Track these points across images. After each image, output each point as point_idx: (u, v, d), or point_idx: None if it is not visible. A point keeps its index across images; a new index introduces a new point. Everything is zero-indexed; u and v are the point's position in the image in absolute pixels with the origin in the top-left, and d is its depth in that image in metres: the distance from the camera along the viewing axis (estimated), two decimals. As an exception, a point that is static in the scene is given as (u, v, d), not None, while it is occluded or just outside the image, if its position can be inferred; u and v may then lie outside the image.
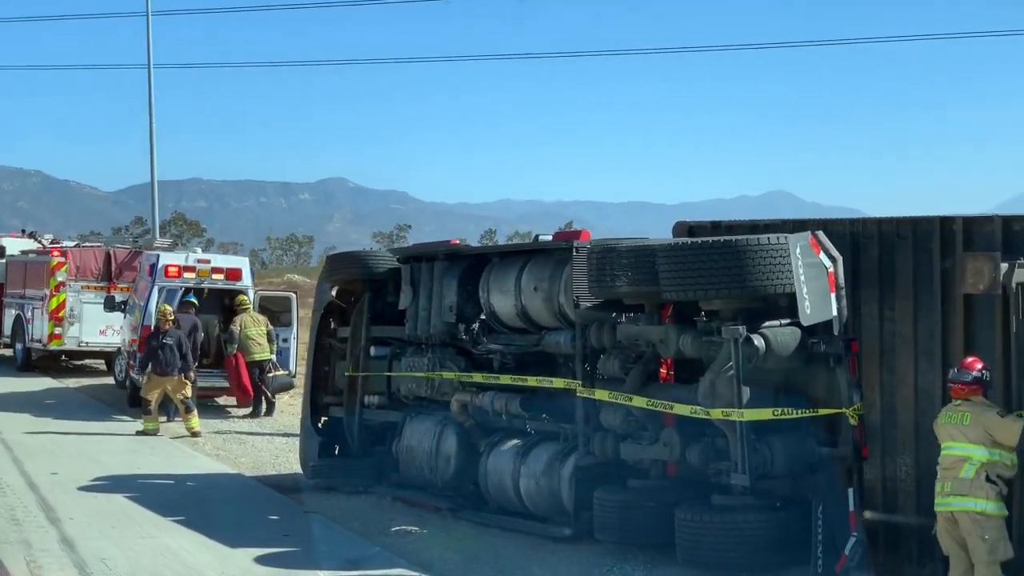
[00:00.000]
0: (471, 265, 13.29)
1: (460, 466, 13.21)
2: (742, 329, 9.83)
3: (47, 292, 27.86)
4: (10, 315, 30.08)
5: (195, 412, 19.27)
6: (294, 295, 22.75)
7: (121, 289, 27.82)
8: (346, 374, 14.81)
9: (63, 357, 29.34)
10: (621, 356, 11.27)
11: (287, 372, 21.92)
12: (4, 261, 31.12)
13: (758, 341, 9.87)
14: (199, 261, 22.18)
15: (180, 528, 12.51)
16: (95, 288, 28.14)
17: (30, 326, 28.71)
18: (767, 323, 10.04)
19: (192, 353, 20.86)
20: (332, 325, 15.59)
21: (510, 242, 11.86)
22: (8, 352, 31.25)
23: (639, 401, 10.78)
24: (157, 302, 21.53)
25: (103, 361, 29.95)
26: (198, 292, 22.10)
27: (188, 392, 19.40)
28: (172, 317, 19.84)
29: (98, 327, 27.92)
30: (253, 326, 21.43)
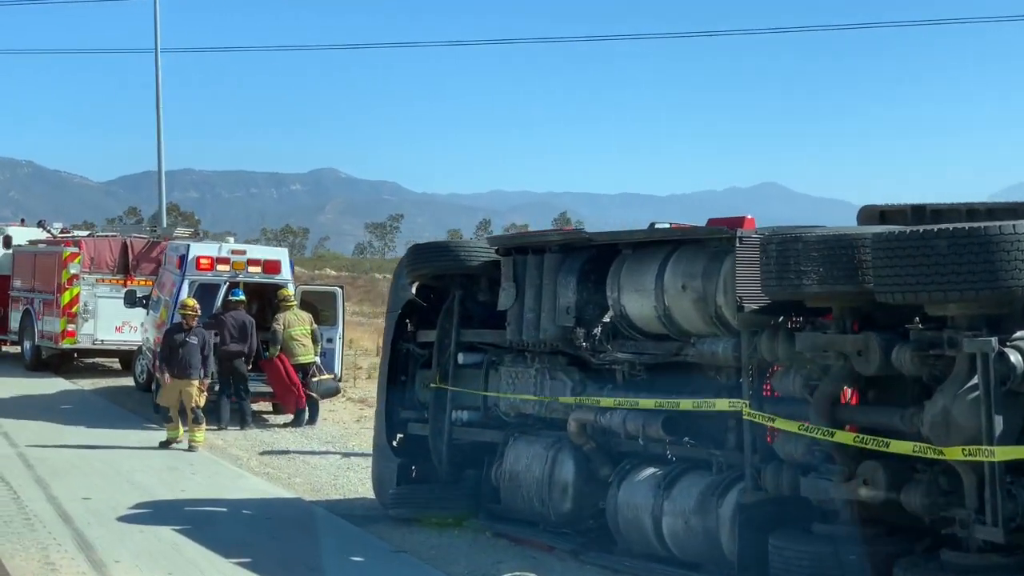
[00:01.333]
0: (593, 258, 11.18)
1: (579, 498, 11.12)
2: (994, 342, 7.72)
3: (59, 285, 25.74)
4: (18, 310, 27.93)
5: (203, 425, 17.15)
6: (340, 290, 20.59)
7: (139, 282, 25.78)
8: (431, 385, 12.67)
9: (75, 356, 27.20)
10: (803, 372, 9.15)
11: (333, 376, 19.79)
12: (11, 252, 28.95)
13: (1015, 357, 7.77)
14: (233, 252, 20.05)
15: (249, 574, 10.42)
16: (111, 281, 26.07)
17: (40, 322, 26.59)
18: (1018, 334, 7.94)
19: (248, 357, 18.83)
20: (409, 327, 13.46)
21: (606, 231, 10.10)
22: (16, 350, 29.14)
23: (844, 437, 8.65)
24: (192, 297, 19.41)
25: (117, 359, 27.88)
26: (236, 284, 19.98)
27: (202, 401, 17.25)
28: (197, 312, 17.67)
29: (114, 323, 25.85)
30: (297, 325, 19.30)
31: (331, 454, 17.08)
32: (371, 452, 16.63)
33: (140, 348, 23.69)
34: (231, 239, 20.71)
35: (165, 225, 37.02)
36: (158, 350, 19.76)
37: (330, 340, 20.01)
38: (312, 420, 19.38)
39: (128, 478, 14.68)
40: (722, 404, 9.77)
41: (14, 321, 28.23)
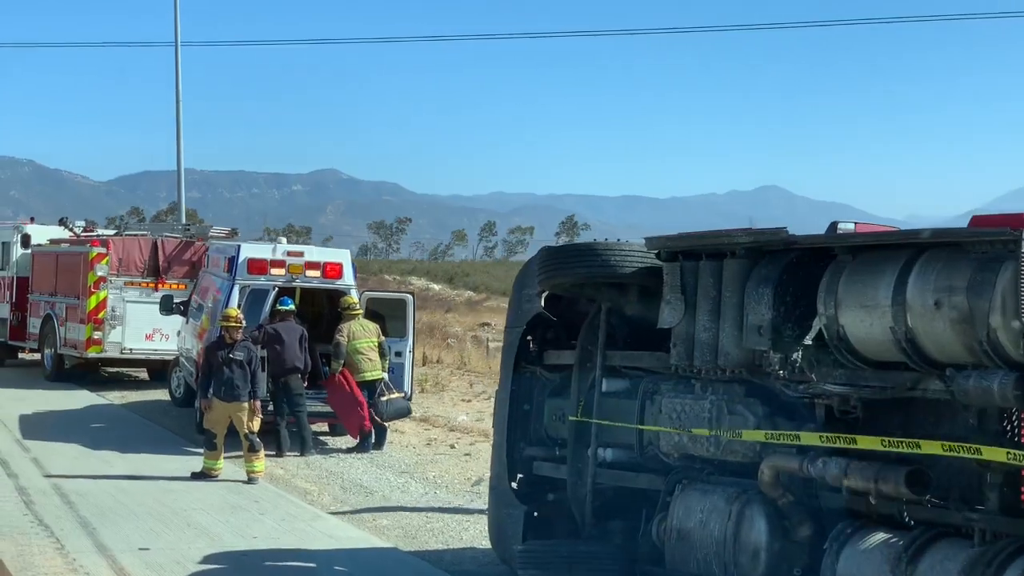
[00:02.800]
0: (794, 264, 8.94)
1: (773, 564, 8.88)
2: None
3: (85, 289, 23.57)
4: (38, 315, 25.72)
5: (261, 452, 14.95)
6: (410, 296, 18.31)
7: (171, 286, 23.63)
8: (571, 418, 10.43)
9: (100, 365, 25.02)
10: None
11: (403, 394, 17.56)
12: (30, 252, 26.75)
13: None
14: (290, 254, 17.81)
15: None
16: (140, 284, 23.94)
17: (63, 329, 24.41)
18: None
19: (304, 373, 16.66)
20: (532, 346, 11.23)
21: (746, 229, 8.23)
22: (35, 357, 26.98)
23: None
24: (239, 305, 17.21)
25: (144, 369, 25.72)
26: (289, 292, 17.76)
27: (256, 425, 15.04)
28: (241, 324, 15.48)
29: (144, 331, 23.72)
30: (363, 337, 17.07)
31: (412, 485, 14.86)
32: (461, 488, 14.57)
33: (177, 359, 21.49)
34: (283, 239, 18.48)
35: (184, 223, 34.70)
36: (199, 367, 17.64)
37: (399, 353, 17.77)
38: (379, 444, 17.18)
39: (187, 520, 12.46)
40: (995, 454, 7.55)
41: (33, 327, 26.05)
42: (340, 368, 16.84)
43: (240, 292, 17.45)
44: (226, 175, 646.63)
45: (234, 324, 15.36)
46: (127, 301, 23.86)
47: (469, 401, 23.00)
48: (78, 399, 22.29)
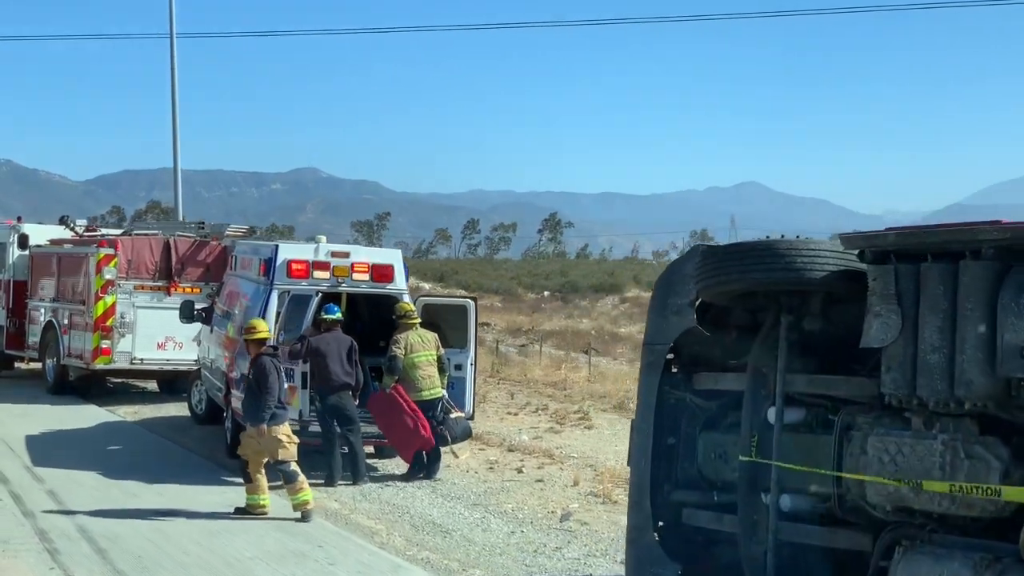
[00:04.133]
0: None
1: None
2: None
3: (91, 294, 21.50)
4: (38, 323, 23.62)
5: (300, 482, 12.86)
6: (472, 302, 16.25)
7: (184, 289, 21.60)
8: (742, 458, 8.44)
9: (106, 376, 22.95)
10: None
11: (465, 414, 15.56)
12: (28, 253, 24.62)
13: None
14: (334, 255, 15.77)
15: None
16: (151, 288, 21.89)
17: (67, 337, 22.33)
18: None
19: (356, 391, 14.69)
20: (674, 368, 9.24)
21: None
22: (31, 366, 24.89)
23: None
24: (278, 314, 15.20)
25: (154, 381, 23.69)
26: (333, 298, 15.74)
27: (282, 454, 12.96)
28: (261, 335, 13.47)
29: (155, 339, 21.70)
30: (421, 349, 15.07)
31: (492, 521, 12.86)
32: (547, 525, 12.62)
33: (198, 371, 19.48)
34: (323, 237, 16.49)
35: (181, 219, 32.35)
36: (237, 376, 15.63)
37: (459, 367, 15.76)
38: (431, 471, 15.17)
39: (246, 573, 10.45)
40: None
41: (33, 335, 23.95)
42: (392, 384, 14.83)
43: (280, 298, 15.43)
44: (203, 174, 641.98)
45: (257, 335, 13.36)
46: (137, 307, 21.83)
47: (516, 415, 21.04)
48: (87, 416, 20.24)
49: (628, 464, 9.43)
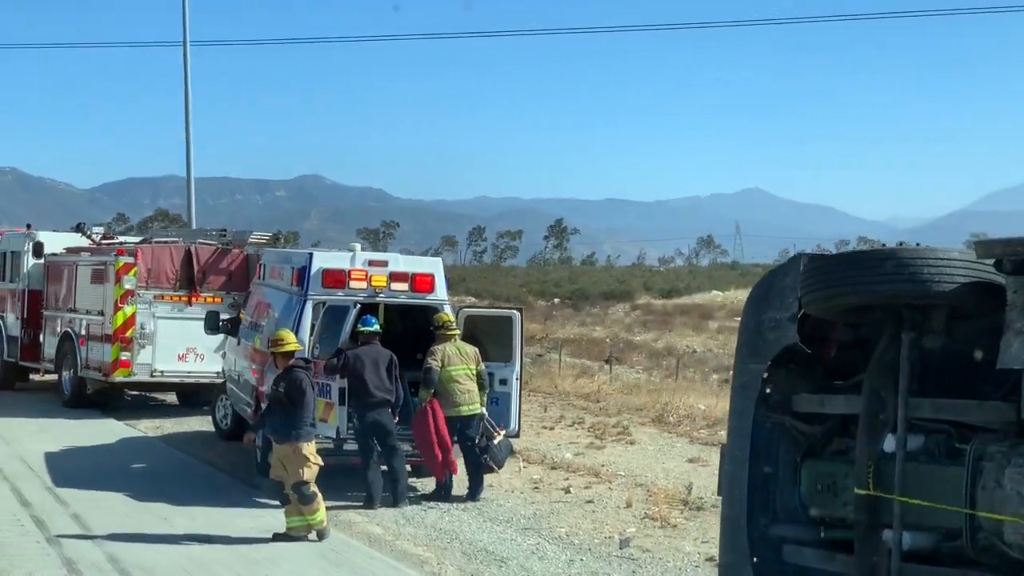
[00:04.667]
0: None
1: None
2: None
3: (110, 303, 20.74)
4: (55, 333, 22.84)
5: (316, 505, 12.15)
6: (518, 313, 15.42)
7: (205, 299, 20.83)
8: (857, 490, 7.62)
9: (124, 388, 22.18)
10: None
11: (509, 432, 14.75)
12: (43, 262, 23.84)
13: None
14: (372, 264, 14.96)
15: None
16: (172, 298, 21.10)
17: (84, 349, 21.54)
18: None
19: (395, 407, 13.91)
20: (766, 391, 8.40)
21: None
22: (44, 378, 24.12)
23: None
24: (313, 326, 14.41)
25: (173, 393, 22.93)
26: (371, 309, 14.94)
27: (307, 474, 12.20)
28: (290, 347, 12.69)
29: (176, 351, 20.92)
30: (459, 362, 14.28)
31: (547, 548, 12.04)
32: (607, 552, 11.81)
33: (223, 384, 18.70)
34: (358, 245, 15.68)
35: (195, 227, 31.37)
36: (269, 391, 14.82)
37: (504, 382, 14.97)
38: (475, 494, 14.37)
39: (296, 609, 9.66)
40: None
41: (49, 346, 23.17)
42: (428, 398, 14.03)
43: (314, 310, 14.64)
44: (209, 181, 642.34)
45: (284, 348, 12.58)
46: (157, 317, 21.06)
47: (552, 429, 20.23)
48: (107, 431, 19.46)
49: (718, 494, 8.65)
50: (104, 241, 23.85)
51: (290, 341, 12.72)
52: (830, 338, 8.35)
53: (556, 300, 78.31)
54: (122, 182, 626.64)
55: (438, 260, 15.82)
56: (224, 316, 18.51)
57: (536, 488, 15.14)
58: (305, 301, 14.65)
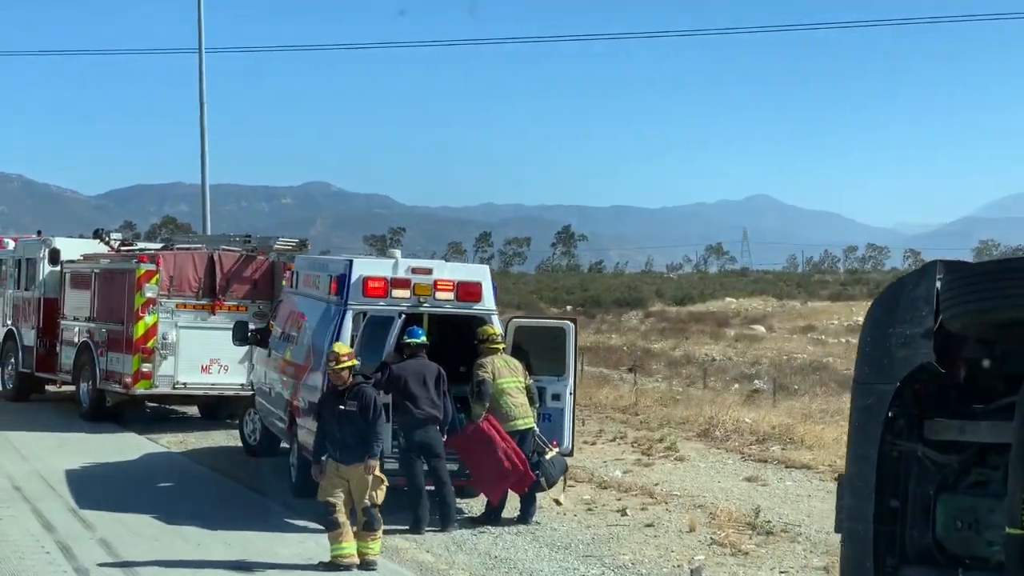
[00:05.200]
0: None
1: None
2: None
3: (131, 313, 19.90)
4: (72, 344, 21.98)
5: (380, 533, 11.43)
6: (572, 324, 14.50)
7: (229, 308, 19.98)
8: (1010, 531, 6.73)
9: (145, 402, 21.31)
10: None
11: (563, 450, 13.86)
12: (59, 270, 22.98)
13: None
14: (415, 271, 14.06)
15: None
16: (194, 307, 20.24)
17: (103, 359, 20.67)
18: None
19: (443, 425, 13.04)
20: (893, 416, 7.50)
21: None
22: (58, 388, 23.25)
23: None
24: (353, 338, 13.54)
25: (195, 405, 22.07)
26: (415, 320, 14.04)
27: (380, 496, 11.45)
28: (353, 363, 11.84)
29: (199, 362, 20.09)
30: (509, 375, 13.40)
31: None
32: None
33: (252, 398, 17.84)
34: (397, 252, 14.82)
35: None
36: (307, 405, 13.94)
37: (557, 397, 14.08)
38: (527, 516, 13.48)
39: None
40: None
41: (66, 357, 22.30)
42: (482, 414, 13.16)
43: (355, 320, 13.77)
44: (215, 188, 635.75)
45: (343, 365, 11.72)
46: (180, 327, 20.20)
47: (593, 444, 19.34)
48: (129, 446, 18.60)
49: (836, 531, 7.75)
50: (123, 248, 23.00)
51: (345, 355, 11.86)
52: (960, 356, 7.47)
53: (568, 307, 77.46)
54: (128, 189, 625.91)
55: (485, 267, 14.94)
56: (253, 326, 17.65)
57: (589, 509, 14.24)
58: (345, 311, 13.78)
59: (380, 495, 11.48)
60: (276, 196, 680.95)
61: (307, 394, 14.26)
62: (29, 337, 23.27)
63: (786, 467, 17.05)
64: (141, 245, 23.96)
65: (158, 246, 23.09)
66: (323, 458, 11.51)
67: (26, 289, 23.58)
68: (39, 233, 26.44)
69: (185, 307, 20.33)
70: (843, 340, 57.14)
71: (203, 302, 20.43)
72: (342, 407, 11.57)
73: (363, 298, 13.82)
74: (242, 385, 20.38)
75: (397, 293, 13.91)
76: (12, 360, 23.91)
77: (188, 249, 21.27)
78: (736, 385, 37.58)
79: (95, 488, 14.89)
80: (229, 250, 21.12)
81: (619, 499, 14.86)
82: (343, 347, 12.02)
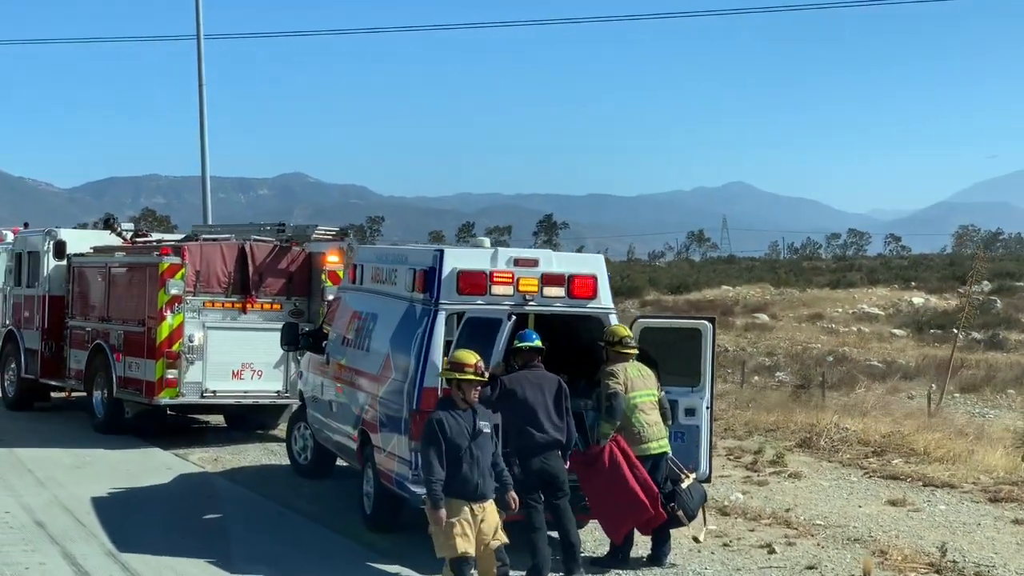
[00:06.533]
0: None
1: None
2: None
3: (154, 312, 17.57)
4: (83, 346, 19.62)
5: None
6: (708, 324, 12.09)
7: (262, 306, 17.74)
8: None
9: (168, 411, 18.94)
10: None
11: (699, 475, 11.57)
12: (66, 264, 20.57)
13: None
14: (519, 263, 11.74)
15: None
16: (224, 305, 17.99)
17: (120, 364, 18.33)
18: None
19: (567, 450, 10.81)
20: None
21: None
22: (72, 396, 20.86)
23: None
24: (448, 344, 11.26)
25: (219, 414, 19.79)
26: (521, 321, 11.71)
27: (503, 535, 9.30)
28: (483, 376, 9.57)
29: (230, 367, 17.83)
30: (643, 388, 11.16)
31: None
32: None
33: (301, 409, 15.53)
34: (486, 241, 12.50)
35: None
36: (402, 417, 11.62)
37: (691, 412, 11.80)
38: (660, 557, 11.22)
39: None
40: None
41: (76, 361, 19.90)
42: (611, 434, 10.90)
43: (447, 323, 11.48)
44: (191, 180, 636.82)
45: (471, 376, 9.46)
46: (208, 327, 17.85)
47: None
48: (156, 465, 16.25)
49: None
50: (138, 239, 20.61)
51: (473, 365, 9.56)
52: None
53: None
54: (103, 181, 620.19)
55: (599, 257, 12.57)
56: (303, 326, 15.37)
57: (725, 545, 11.97)
58: (435, 312, 11.47)
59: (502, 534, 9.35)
60: (252, 187, 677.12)
61: (385, 410, 11.99)
62: (32, 339, 20.83)
63: (924, 485, 14.83)
64: (157, 236, 21.52)
65: (176, 237, 20.69)
66: (440, 498, 9.17)
67: (28, 286, 21.13)
68: (26, 225, 24.08)
69: (213, 305, 18.01)
70: (854, 329, 55.06)
71: (233, 299, 18.11)
72: (479, 428, 9.30)
73: (457, 296, 11.52)
74: (278, 392, 18.15)
75: (498, 290, 11.60)
76: (13, 364, 21.47)
77: (215, 240, 18.87)
78: (756, 377, 35.45)
79: (132, 523, 12.57)
80: (261, 240, 18.77)
81: (752, 529, 12.62)
82: (469, 355, 9.68)
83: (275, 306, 18.27)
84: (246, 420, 19.32)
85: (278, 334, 17.16)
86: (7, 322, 21.99)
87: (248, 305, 18.13)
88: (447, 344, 11.34)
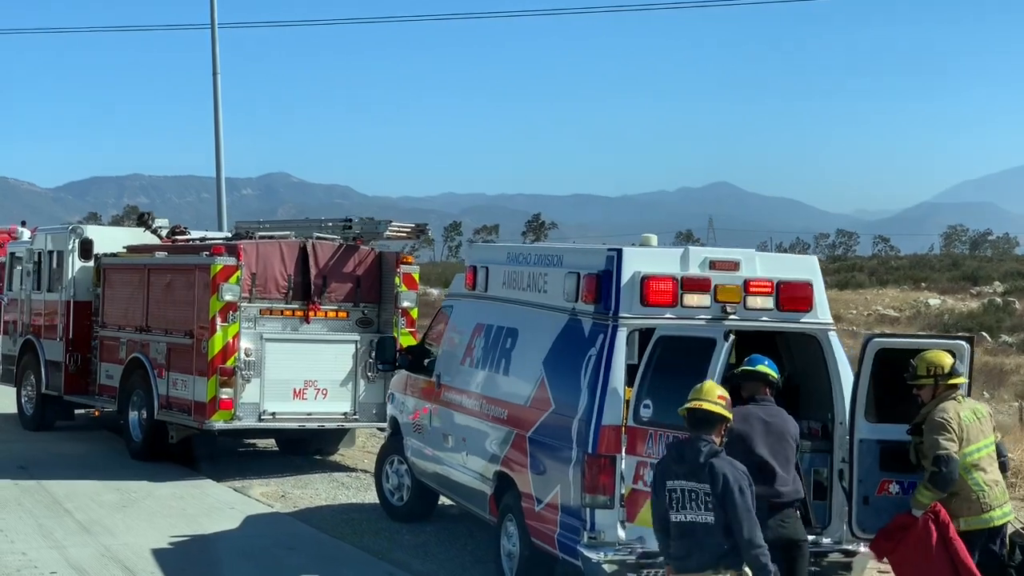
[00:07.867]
0: None
1: None
2: None
3: (205, 321, 15.00)
4: (116, 359, 17.03)
5: None
6: (966, 344, 9.33)
7: (327, 314, 15.22)
8: None
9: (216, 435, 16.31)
10: None
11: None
12: (91, 265, 17.96)
13: None
14: (715, 266, 9.25)
15: None
16: (283, 313, 15.43)
17: (163, 382, 15.74)
18: None
19: (806, 506, 8.35)
20: None
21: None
22: (97, 415, 18.27)
23: None
24: (630, 369, 8.76)
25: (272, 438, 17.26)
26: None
27: None
28: (729, 415, 7.14)
29: (291, 384, 15.27)
30: (982, 439, 8.54)
31: None
32: None
33: (393, 439, 13.02)
34: (653, 238, 10.02)
35: (226, 230, 24.35)
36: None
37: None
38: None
39: None
40: None
41: (106, 376, 17.30)
42: (931, 504, 8.27)
43: (629, 341, 8.98)
44: (174, 180, 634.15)
45: (717, 410, 7.14)
46: (265, 339, 15.30)
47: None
48: (215, 503, 13.70)
49: None
50: (176, 237, 18.02)
51: (725, 401, 7.27)
52: None
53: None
54: (86, 181, 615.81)
55: (813, 259, 10.03)
56: (402, 344, 12.88)
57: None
58: (614, 328, 8.96)
59: None
60: (236, 187, 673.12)
61: (541, 451, 9.51)
62: (54, 351, 18.19)
63: None
64: (199, 234, 18.86)
65: (225, 234, 18.11)
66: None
67: (50, 291, 18.48)
68: (23, 224, 21.50)
69: (271, 313, 15.47)
70: (876, 332, 52.93)
71: (294, 306, 15.57)
72: (681, 486, 6.91)
73: (641, 307, 9.02)
74: (345, 415, 15.67)
75: (691, 300, 9.12)
76: (32, 379, 18.83)
77: (272, 238, 16.29)
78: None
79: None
80: (324, 238, 16.20)
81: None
82: (714, 387, 7.20)
83: (341, 314, 15.76)
84: (302, 444, 16.82)
85: (344, 347, 14.94)
86: (22, 331, 19.37)
87: (310, 313, 15.60)
88: (629, 369, 8.87)
